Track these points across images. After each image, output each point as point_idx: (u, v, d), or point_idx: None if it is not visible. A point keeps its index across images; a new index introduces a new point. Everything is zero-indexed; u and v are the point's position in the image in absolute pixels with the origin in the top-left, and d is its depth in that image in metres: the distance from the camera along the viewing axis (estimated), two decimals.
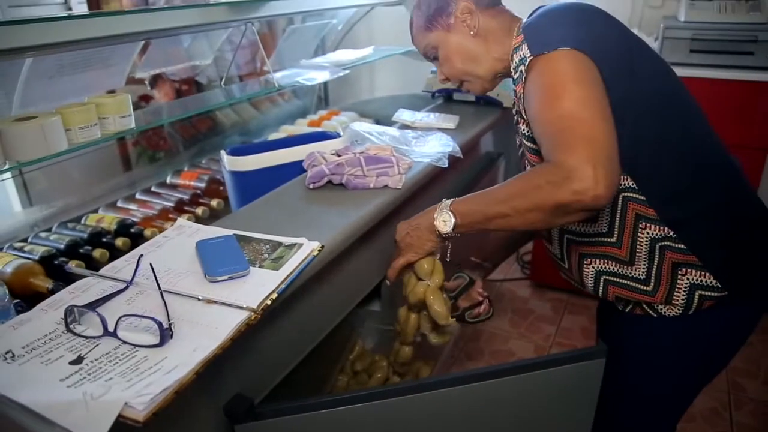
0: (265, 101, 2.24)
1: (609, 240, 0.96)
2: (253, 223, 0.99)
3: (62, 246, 1.23)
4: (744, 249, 0.96)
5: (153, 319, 0.68)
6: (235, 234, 0.92)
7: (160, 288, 0.77)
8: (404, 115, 1.64)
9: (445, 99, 1.85)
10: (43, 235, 1.31)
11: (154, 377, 0.61)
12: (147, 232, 1.34)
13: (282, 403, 0.82)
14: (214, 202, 1.51)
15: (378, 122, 1.87)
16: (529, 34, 0.93)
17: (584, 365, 0.91)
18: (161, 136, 1.86)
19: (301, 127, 2.03)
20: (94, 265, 1.18)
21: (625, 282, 0.97)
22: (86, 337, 0.69)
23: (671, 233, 0.92)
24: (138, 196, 1.58)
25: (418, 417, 0.89)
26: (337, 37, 2.50)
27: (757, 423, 1.89)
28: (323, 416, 0.82)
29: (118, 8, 1.90)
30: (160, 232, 1.11)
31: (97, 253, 1.22)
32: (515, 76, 0.96)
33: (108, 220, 1.37)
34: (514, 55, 0.96)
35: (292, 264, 0.83)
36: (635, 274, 0.96)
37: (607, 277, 0.99)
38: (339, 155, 1.20)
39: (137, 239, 1.31)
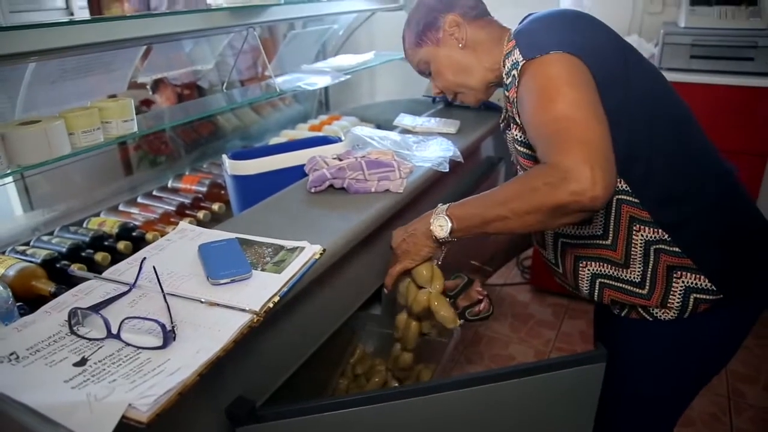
0: (266, 106, 2.25)
1: (604, 242, 0.97)
2: (255, 226, 1.00)
3: (64, 249, 1.24)
4: (739, 252, 0.97)
5: (156, 321, 0.68)
6: (237, 237, 0.92)
7: (163, 290, 0.77)
8: (405, 119, 1.65)
9: (446, 104, 1.86)
10: (45, 238, 1.31)
11: (158, 379, 0.62)
12: (148, 236, 1.34)
13: (283, 406, 0.82)
14: (215, 206, 1.51)
15: (379, 127, 1.87)
16: (521, 39, 0.94)
17: (584, 369, 0.91)
18: (163, 140, 1.87)
19: (302, 131, 2.03)
20: (95, 269, 1.18)
21: (621, 285, 0.98)
22: (90, 339, 0.69)
23: (666, 236, 0.92)
24: (140, 200, 1.58)
25: (419, 420, 0.89)
26: (338, 42, 2.51)
27: (756, 429, 1.89)
28: (324, 419, 0.82)
29: (120, 13, 1.92)
30: (162, 235, 1.11)
31: (99, 256, 1.22)
32: (507, 81, 0.97)
33: (110, 223, 1.38)
34: (506, 61, 0.97)
35: (294, 267, 0.84)
36: (630, 277, 0.96)
37: (602, 280, 0.99)
38: (340, 159, 1.21)
39: (139, 243, 1.31)
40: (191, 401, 0.74)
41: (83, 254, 1.24)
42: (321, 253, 0.88)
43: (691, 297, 0.94)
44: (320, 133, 1.92)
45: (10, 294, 0.85)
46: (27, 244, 1.30)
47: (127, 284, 0.81)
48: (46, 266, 1.14)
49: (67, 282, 1.07)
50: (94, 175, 1.68)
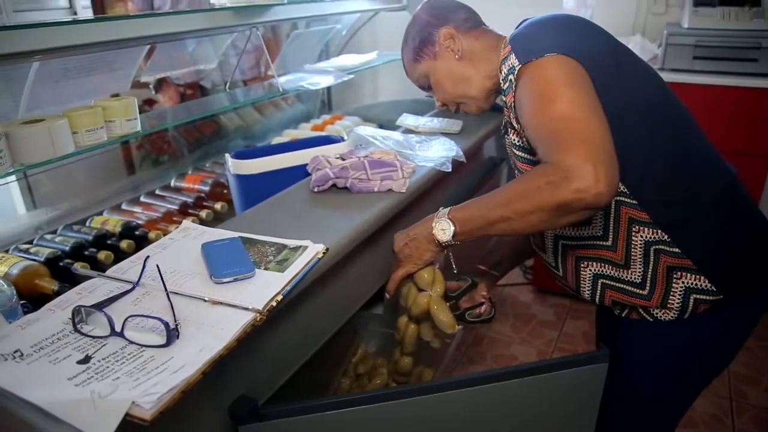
0: (268, 105, 2.25)
1: (604, 243, 0.97)
2: (258, 225, 1.00)
3: (67, 248, 1.24)
4: (739, 253, 0.97)
5: (159, 319, 0.69)
6: (240, 236, 0.93)
7: (166, 289, 0.78)
8: (408, 119, 1.65)
9: None
10: (48, 237, 1.32)
11: (161, 377, 0.62)
12: (151, 235, 1.34)
13: (286, 405, 0.82)
14: (218, 206, 1.52)
15: (381, 127, 1.88)
16: (517, 44, 0.94)
17: (587, 369, 0.91)
18: (165, 139, 1.87)
19: (305, 131, 2.04)
20: (98, 267, 1.18)
21: (621, 286, 0.98)
22: (93, 337, 0.69)
23: (665, 237, 0.92)
24: (142, 199, 1.59)
25: (421, 420, 0.89)
26: (341, 42, 2.52)
27: (758, 430, 1.88)
28: (327, 418, 0.82)
29: (123, 13, 1.92)
30: (165, 234, 1.11)
31: (102, 255, 1.22)
32: (504, 87, 0.97)
33: (112, 222, 1.38)
34: (503, 66, 0.97)
35: (297, 266, 0.84)
36: (631, 277, 0.96)
37: (604, 281, 0.99)
38: (343, 159, 1.21)
39: (141, 242, 1.31)
40: (194, 399, 0.75)
41: (86, 253, 1.24)
42: (324, 253, 0.88)
43: (691, 297, 0.94)
44: (323, 133, 1.93)
45: (14, 292, 0.86)
46: (30, 242, 1.30)
47: (131, 282, 0.81)
48: (49, 265, 1.15)
49: (71, 280, 1.07)
50: (97, 174, 1.68)
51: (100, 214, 1.48)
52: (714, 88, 2.04)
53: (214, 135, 2.02)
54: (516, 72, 0.91)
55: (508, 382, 0.88)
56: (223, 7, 1.47)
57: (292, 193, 1.17)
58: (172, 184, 1.67)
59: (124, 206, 1.54)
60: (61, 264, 1.18)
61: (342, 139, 1.37)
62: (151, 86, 1.86)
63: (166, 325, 0.68)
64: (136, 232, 1.36)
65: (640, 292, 0.96)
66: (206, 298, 0.77)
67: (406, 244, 1.00)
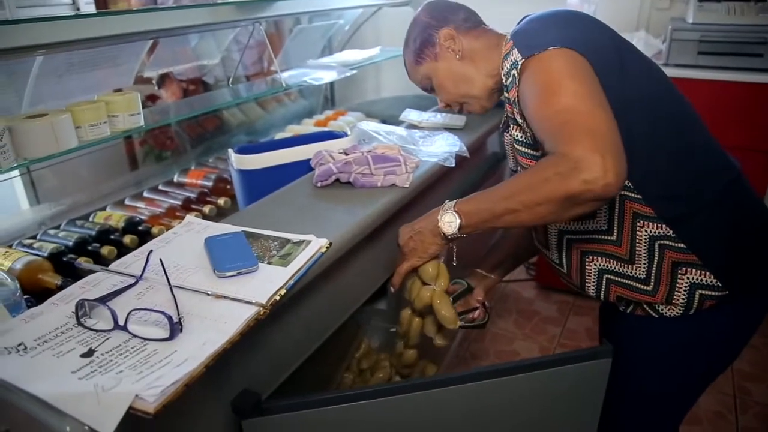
0: (271, 101, 2.25)
1: (609, 238, 0.96)
2: (261, 220, 1.00)
3: (71, 243, 1.24)
4: (744, 248, 0.96)
5: (163, 313, 0.69)
6: (243, 230, 0.92)
7: (169, 283, 0.78)
8: (411, 114, 1.65)
9: None
10: (51, 232, 1.32)
11: (165, 370, 0.62)
12: (154, 230, 1.35)
13: (289, 399, 0.82)
14: (221, 201, 1.52)
15: (384, 122, 1.87)
16: (519, 39, 0.94)
17: (590, 365, 0.91)
18: (168, 135, 1.87)
19: (308, 126, 2.03)
20: (101, 262, 1.19)
21: (626, 281, 0.97)
22: (97, 331, 0.69)
23: (670, 232, 0.92)
24: (145, 194, 1.59)
25: (424, 414, 0.89)
26: (343, 38, 2.51)
27: (762, 427, 1.88)
28: (329, 413, 0.82)
29: (126, 7, 1.92)
30: (168, 230, 1.11)
31: (105, 250, 1.23)
32: (507, 82, 0.96)
33: (116, 217, 1.38)
34: (505, 62, 0.97)
35: (301, 260, 0.84)
36: (635, 273, 0.96)
37: (609, 276, 0.99)
38: (346, 154, 1.21)
39: (145, 237, 1.31)
40: (197, 393, 0.75)
41: (89, 248, 1.25)
42: (327, 247, 0.88)
43: (697, 293, 0.94)
44: (326, 129, 1.92)
45: (18, 286, 0.86)
46: (34, 237, 1.31)
47: (134, 276, 0.81)
48: (52, 260, 1.15)
49: (74, 275, 1.08)
50: (101, 169, 1.68)
51: (104, 209, 1.49)
52: (719, 84, 2.03)
53: (216, 130, 2.02)
54: (519, 66, 0.91)
55: (511, 377, 0.88)
56: (225, 2, 1.47)
57: (296, 188, 1.17)
58: (175, 179, 1.67)
59: (127, 201, 1.54)
60: (64, 259, 1.18)
61: (345, 134, 1.37)
62: (153, 81, 1.86)
63: (170, 318, 0.68)
64: (139, 228, 1.36)
65: (645, 287, 0.96)
66: (209, 292, 0.76)
67: (411, 238, 1.00)
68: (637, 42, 2.16)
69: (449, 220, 0.91)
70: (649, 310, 0.98)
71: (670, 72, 0.99)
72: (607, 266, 0.98)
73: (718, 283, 0.93)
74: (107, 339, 0.68)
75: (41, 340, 0.68)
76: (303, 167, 1.25)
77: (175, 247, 0.90)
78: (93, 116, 1.13)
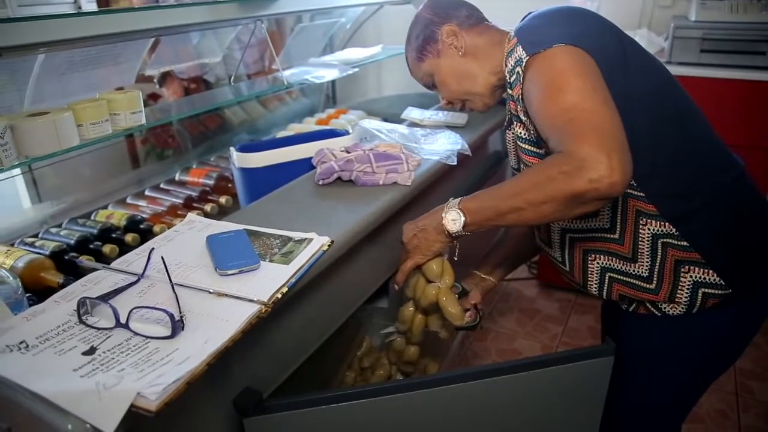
0: (273, 99, 2.25)
1: (612, 236, 0.96)
2: (263, 218, 1.00)
3: (72, 241, 1.24)
4: (748, 246, 0.96)
5: (165, 311, 0.69)
6: (245, 228, 0.92)
7: (171, 281, 0.77)
8: (413, 112, 1.65)
9: None
10: (53, 230, 1.32)
11: (166, 368, 0.62)
12: (156, 229, 1.35)
13: (290, 398, 0.83)
14: (222, 199, 1.51)
15: (386, 120, 1.87)
16: (523, 36, 0.93)
17: (593, 363, 0.91)
18: (170, 134, 1.87)
19: (309, 125, 2.03)
20: (103, 261, 1.19)
21: (629, 280, 0.97)
22: (99, 329, 0.69)
23: (673, 230, 0.92)
24: (147, 192, 1.59)
25: (426, 413, 0.89)
26: (345, 36, 2.50)
27: (765, 425, 1.88)
28: (331, 411, 0.82)
29: (128, 5, 1.91)
30: (169, 228, 1.11)
31: (107, 248, 1.23)
32: (511, 79, 0.96)
33: (117, 216, 1.38)
34: (508, 60, 0.96)
35: (302, 258, 0.83)
36: (638, 271, 0.96)
37: (611, 274, 0.99)
38: (348, 152, 1.21)
39: (146, 235, 1.31)
40: (199, 391, 0.75)
41: (91, 246, 1.25)
42: (329, 245, 0.88)
43: (700, 292, 0.94)
44: (328, 127, 1.92)
45: (19, 284, 0.86)
46: (35, 236, 1.31)
47: (136, 275, 0.81)
48: (54, 258, 1.15)
49: (75, 274, 1.07)
50: (102, 167, 1.68)
51: (105, 207, 1.48)
52: (721, 82, 2.02)
53: (218, 129, 2.02)
54: (524, 64, 0.90)
55: (513, 375, 0.87)
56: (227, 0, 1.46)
57: (297, 186, 1.17)
58: (176, 177, 1.67)
59: (129, 200, 1.54)
60: (66, 257, 1.18)
61: (347, 133, 1.37)
62: (155, 80, 1.86)
63: (171, 316, 0.68)
64: (141, 226, 1.36)
65: (648, 286, 0.96)
66: (211, 290, 0.76)
67: (415, 235, 0.99)
68: (639, 40, 2.14)
69: (454, 218, 0.91)
70: (652, 309, 0.98)
71: (673, 70, 0.98)
72: (610, 264, 0.98)
73: (722, 281, 0.93)
74: (109, 337, 0.68)
75: (43, 338, 0.68)
76: (305, 165, 1.25)
77: (176, 245, 0.90)
78: (95, 114, 1.13)
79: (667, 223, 0.91)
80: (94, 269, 0.84)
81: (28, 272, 1.07)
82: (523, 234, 1.24)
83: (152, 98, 1.84)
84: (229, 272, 0.80)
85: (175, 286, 0.77)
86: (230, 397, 0.80)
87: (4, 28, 0.98)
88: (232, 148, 1.30)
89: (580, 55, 0.85)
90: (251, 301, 0.74)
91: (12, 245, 1.22)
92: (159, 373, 0.61)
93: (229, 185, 1.60)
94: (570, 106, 0.80)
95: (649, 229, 0.93)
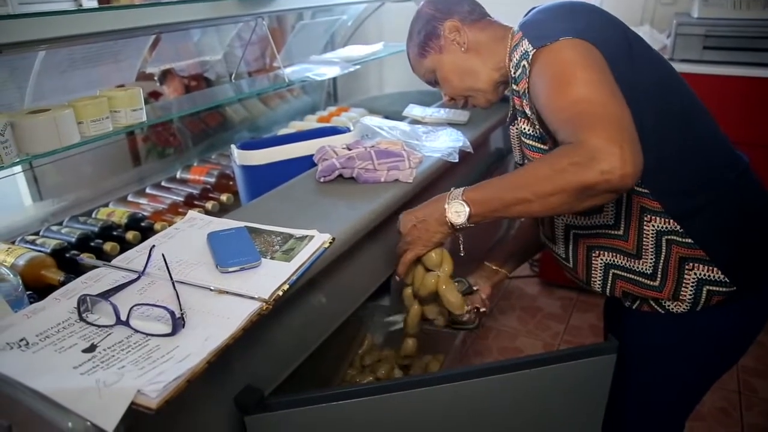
0: (274, 97, 2.24)
1: (616, 232, 0.95)
2: (264, 215, 0.99)
3: (73, 239, 1.24)
4: (752, 244, 0.95)
5: (165, 308, 0.68)
6: (246, 226, 0.92)
7: (172, 278, 0.77)
8: (415, 110, 1.64)
9: None
10: (54, 228, 1.32)
11: (167, 366, 0.62)
12: (157, 226, 1.34)
13: (292, 395, 0.82)
14: (223, 197, 1.51)
15: (387, 118, 1.86)
16: (528, 30, 0.93)
17: (595, 361, 0.90)
18: (171, 132, 1.87)
19: (311, 123, 2.03)
20: (104, 258, 1.18)
21: (633, 277, 0.96)
22: (99, 326, 0.69)
23: (677, 227, 0.91)
24: (148, 190, 1.59)
25: (427, 411, 0.88)
26: (346, 33, 2.50)
27: (767, 424, 1.87)
28: (333, 409, 0.82)
29: (128, 2, 1.91)
30: (170, 226, 1.11)
31: (108, 246, 1.22)
32: (517, 74, 0.95)
33: (118, 214, 1.38)
34: (513, 54, 0.96)
35: (304, 256, 0.83)
36: (642, 268, 0.95)
37: (615, 271, 0.98)
38: (350, 149, 1.20)
39: (147, 233, 1.31)
40: (199, 389, 0.74)
41: (92, 244, 1.25)
42: (330, 242, 0.88)
43: (704, 289, 0.93)
44: (329, 124, 1.92)
45: (20, 281, 0.85)
46: (36, 234, 1.30)
47: (136, 272, 0.81)
48: (55, 256, 1.15)
49: (76, 271, 1.07)
50: (103, 165, 1.68)
51: (106, 205, 1.48)
52: (724, 79, 2.01)
53: (219, 127, 2.02)
54: (530, 57, 0.89)
55: (515, 373, 0.87)
56: None
57: (299, 184, 1.16)
58: (177, 175, 1.67)
59: (130, 198, 1.54)
60: (67, 255, 1.18)
61: (348, 130, 1.36)
62: (155, 78, 1.85)
63: (172, 314, 0.68)
64: (142, 224, 1.36)
65: (652, 283, 0.95)
66: (212, 287, 0.76)
67: (415, 226, 0.97)
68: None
69: (458, 210, 0.90)
70: (656, 306, 0.97)
71: (675, 67, 0.98)
72: (614, 261, 0.97)
73: (726, 278, 0.92)
74: (109, 334, 0.68)
75: (43, 335, 0.67)
76: (306, 163, 1.24)
77: (177, 243, 0.90)
78: (95, 112, 1.12)
79: (671, 220, 0.91)
80: (95, 266, 0.84)
81: (29, 270, 1.06)
82: (532, 224, 1.23)
83: (153, 96, 1.83)
84: (230, 269, 0.79)
85: (175, 284, 0.77)
86: (231, 394, 0.80)
87: (5, 24, 0.98)
88: (233, 146, 1.29)
89: (586, 48, 0.85)
90: (252, 298, 0.73)
91: (13, 243, 1.22)
92: (159, 370, 0.61)
93: (230, 183, 1.60)
94: (579, 98, 0.80)
95: (653, 226, 0.92)
